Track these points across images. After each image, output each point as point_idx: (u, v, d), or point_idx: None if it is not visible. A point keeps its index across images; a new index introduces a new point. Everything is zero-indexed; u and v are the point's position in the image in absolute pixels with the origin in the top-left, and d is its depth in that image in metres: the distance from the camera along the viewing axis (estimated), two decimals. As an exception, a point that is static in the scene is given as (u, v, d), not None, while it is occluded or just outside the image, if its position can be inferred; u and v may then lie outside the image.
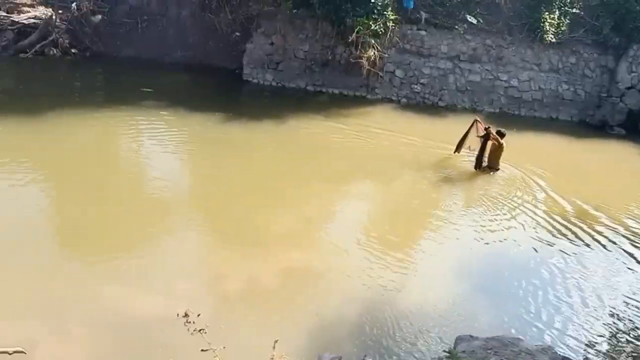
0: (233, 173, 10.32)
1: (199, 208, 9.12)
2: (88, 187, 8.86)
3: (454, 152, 11.92)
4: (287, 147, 11.84)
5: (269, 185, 10.04)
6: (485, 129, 11.26)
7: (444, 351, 4.22)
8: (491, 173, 11.44)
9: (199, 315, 3.73)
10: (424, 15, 16.60)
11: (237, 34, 16.98)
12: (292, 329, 6.41)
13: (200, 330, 3.71)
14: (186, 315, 3.69)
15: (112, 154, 10.56)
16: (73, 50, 16.38)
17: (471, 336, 5.00)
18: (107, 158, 10.29)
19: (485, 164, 11.41)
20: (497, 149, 11.21)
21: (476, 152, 11.50)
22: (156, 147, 11.05)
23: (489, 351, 4.70)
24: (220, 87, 15.16)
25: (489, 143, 11.23)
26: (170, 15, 17.38)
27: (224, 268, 7.40)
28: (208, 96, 14.10)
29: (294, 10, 16.10)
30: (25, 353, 4.58)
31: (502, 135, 11.34)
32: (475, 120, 11.80)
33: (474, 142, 11.70)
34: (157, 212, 8.53)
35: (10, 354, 4.36)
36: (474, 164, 11.52)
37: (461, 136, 11.82)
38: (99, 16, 17.03)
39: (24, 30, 16.35)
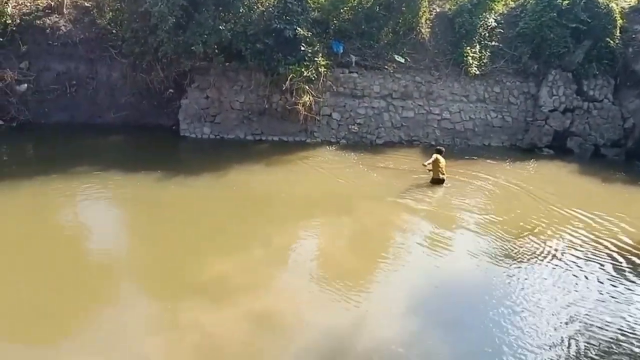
0: (176, 231, 10.00)
1: (146, 270, 8.78)
2: (30, 264, 8.36)
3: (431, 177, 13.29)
4: (229, 199, 11.64)
5: (215, 237, 9.81)
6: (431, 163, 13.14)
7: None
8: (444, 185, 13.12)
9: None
10: (354, 58, 17.11)
11: (171, 90, 16.84)
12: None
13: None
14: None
15: (50, 227, 9.97)
16: (-1, 122, 15.77)
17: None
18: (43, 231, 9.67)
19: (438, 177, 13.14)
20: (437, 164, 13.02)
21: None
22: (94, 213, 10.61)
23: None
24: (157, 145, 14.87)
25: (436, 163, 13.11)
26: (100, 77, 17.06)
27: (184, 327, 7.09)
28: (144, 156, 13.76)
29: (227, 63, 16.20)
30: None
31: (440, 152, 13.21)
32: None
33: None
34: (105, 279, 8.24)
35: None
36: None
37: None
38: (25, 85, 16.48)
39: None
